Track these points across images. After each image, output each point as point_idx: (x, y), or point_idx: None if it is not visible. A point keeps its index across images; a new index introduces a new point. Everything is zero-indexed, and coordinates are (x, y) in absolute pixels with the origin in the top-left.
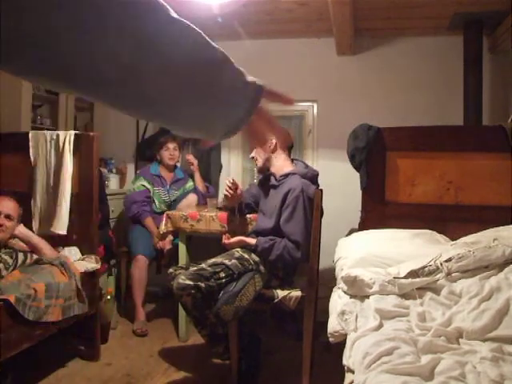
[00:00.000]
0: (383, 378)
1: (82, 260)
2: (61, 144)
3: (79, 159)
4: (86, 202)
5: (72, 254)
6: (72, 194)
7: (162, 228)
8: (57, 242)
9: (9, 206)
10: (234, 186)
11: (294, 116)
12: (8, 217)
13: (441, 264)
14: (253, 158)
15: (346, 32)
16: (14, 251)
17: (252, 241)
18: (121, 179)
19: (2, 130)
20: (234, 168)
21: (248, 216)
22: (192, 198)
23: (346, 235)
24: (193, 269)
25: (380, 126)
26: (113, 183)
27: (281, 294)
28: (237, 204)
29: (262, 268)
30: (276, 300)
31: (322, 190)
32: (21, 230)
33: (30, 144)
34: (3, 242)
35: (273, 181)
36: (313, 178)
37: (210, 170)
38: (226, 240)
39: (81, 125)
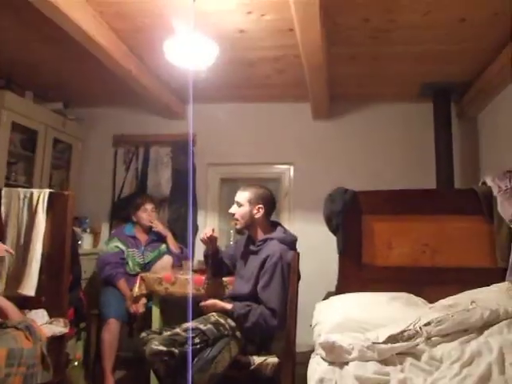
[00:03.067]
0: None
1: (50, 323)
2: (34, 202)
3: (53, 218)
4: (58, 262)
5: (39, 316)
6: (43, 253)
7: (136, 291)
8: (23, 303)
9: None
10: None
11: (270, 178)
12: None
13: (420, 328)
14: (233, 215)
15: (321, 97)
16: None
17: (228, 306)
18: (94, 239)
19: None
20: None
21: (224, 279)
22: (167, 259)
23: (324, 298)
24: (166, 334)
25: (355, 187)
26: (86, 243)
27: (257, 360)
28: (210, 251)
29: (238, 333)
30: (252, 367)
31: (298, 254)
32: None
33: (2, 201)
34: None
35: (251, 246)
36: (291, 243)
37: (187, 231)
38: (203, 303)
39: (56, 183)
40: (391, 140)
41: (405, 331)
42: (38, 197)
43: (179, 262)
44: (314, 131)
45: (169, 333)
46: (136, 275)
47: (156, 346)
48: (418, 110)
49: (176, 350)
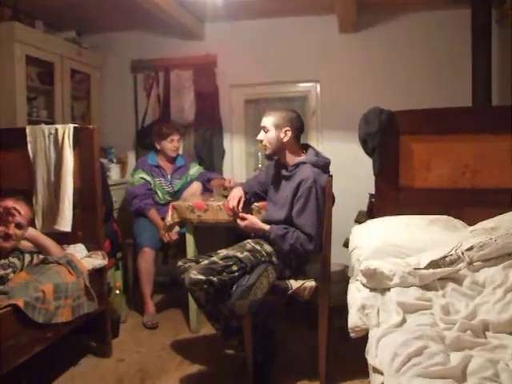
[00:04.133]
0: (416, 382)
1: (89, 257)
2: (60, 138)
3: (79, 153)
4: (90, 196)
5: (78, 251)
6: (74, 189)
7: (169, 219)
8: (61, 239)
9: (23, 212)
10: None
11: (296, 97)
12: (18, 225)
13: (462, 253)
14: (261, 141)
15: (348, 8)
16: (20, 252)
17: (266, 226)
18: (122, 169)
19: None
20: (238, 153)
21: (256, 204)
22: (196, 186)
23: (356, 219)
24: (204, 262)
25: (385, 104)
26: (114, 173)
27: (294, 284)
28: None
29: (274, 259)
30: (290, 291)
31: (331, 178)
32: (30, 232)
33: (28, 139)
34: (12, 248)
35: (283, 171)
36: (324, 166)
37: (213, 155)
38: (240, 220)
39: (78, 114)
40: (424, 52)
41: (446, 256)
42: (64, 133)
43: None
44: (341, 45)
45: (206, 261)
46: (166, 204)
47: (194, 275)
48: (454, 18)
49: (215, 279)
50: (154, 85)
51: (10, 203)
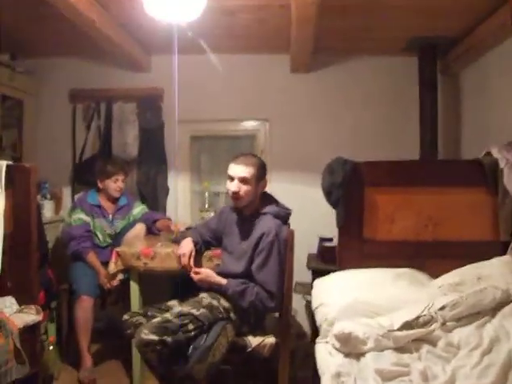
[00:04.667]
0: None
1: (20, 312)
2: None
3: (13, 193)
4: (23, 242)
5: (6, 306)
6: (5, 234)
7: (112, 267)
8: None
9: None
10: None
11: (244, 135)
12: None
13: (435, 313)
14: (234, 193)
15: (303, 50)
16: None
17: (222, 281)
18: (56, 205)
19: None
20: (182, 191)
21: (208, 252)
22: (140, 227)
23: (307, 263)
24: (156, 320)
25: (335, 144)
26: (47, 210)
27: (254, 341)
28: None
29: (232, 315)
30: (249, 349)
31: (293, 231)
32: None
33: None
34: None
35: (240, 220)
36: (285, 217)
37: (157, 194)
38: (194, 274)
39: (7, 144)
40: (372, 94)
41: (419, 317)
42: None
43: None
44: (292, 85)
45: (158, 319)
46: (107, 247)
47: (146, 335)
48: (404, 65)
49: (169, 339)
50: (95, 116)
51: None
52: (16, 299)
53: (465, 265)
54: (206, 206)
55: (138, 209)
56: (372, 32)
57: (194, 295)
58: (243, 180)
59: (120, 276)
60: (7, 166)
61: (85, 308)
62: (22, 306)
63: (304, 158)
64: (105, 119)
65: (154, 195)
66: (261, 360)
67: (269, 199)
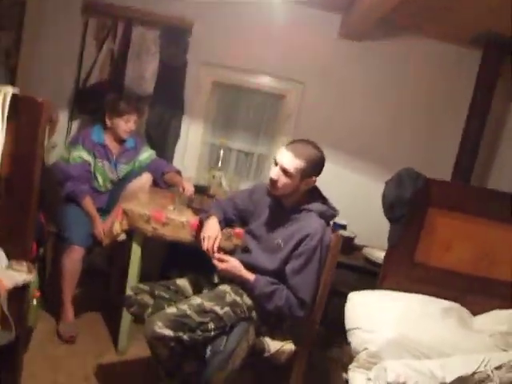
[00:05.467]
0: None
1: (10, 268)
2: None
3: (17, 129)
4: (22, 189)
5: None
6: (0, 176)
7: (117, 228)
8: None
9: None
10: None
11: (272, 94)
12: None
13: (491, 372)
14: (273, 181)
15: (369, 16)
16: None
17: (249, 276)
18: (49, 129)
19: None
20: (193, 141)
21: (229, 230)
22: (146, 178)
23: None
24: (172, 312)
25: (368, 126)
26: None
27: (272, 346)
28: None
29: (254, 314)
30: (267, 354)
31: (339, 236)
32: None
33: None
34: None
35: (280, 211)
36: (330, 218)
37: (167, 139)
38: (217, 261)
39: (1, 48)
40: (423, 81)
41: (475, 373)
42: None
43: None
44: (338, 50)
45: (174, 310)
46: (106, 193)
47: (160, 328)
48: (464, 59)
49: (185, 336)
50: (110, 37)
51: None
52: (5, 251)
53: (504, 306)
54: (219, 165)
55: (146, 154)
56: (449, 13)
57: (207, 280)
58: (285, 171)
59: (122, 236)
60: (13, 97)
61: (74, 259)
62: (12, 261)
63: (333, 132)
64: (121, 42)
65: (163, 140)
66: (273, 365)
67: (314, 194)
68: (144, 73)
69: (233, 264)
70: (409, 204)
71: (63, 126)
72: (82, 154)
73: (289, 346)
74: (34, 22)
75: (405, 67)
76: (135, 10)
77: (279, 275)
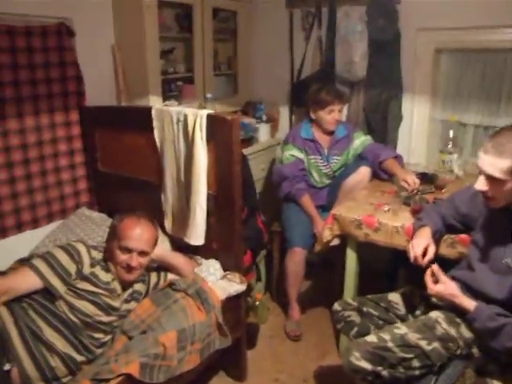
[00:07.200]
0: None
1: (223, 278)
2: (190, 128)
3: (215, 148)
4: (226, 206)
5: (211, 273)
6: (208, 194)
7: (327, 234)
8: (192, 249)
9: (146, 237)
10: None
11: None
12: (142, 253)
13: None
14: (483, 192)
15: None
16: (145, 274)
17: (469, 304)
18: (272, 127)
19: (126, 94)
20: (419, 121)
21: (451, 236)
22: (364, 172)
23: None
24: (372, 342)
25: None
26: (263, 134)
27: None
28: None
29: (475, 351)
30: None
31: None
32: (156, 252)
33: (154, 124)
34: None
35: (507, 216)
36: None
37: (387, 124)
38: (429, 279)
39: (222, 61)
40: None
41: None
42: (194, 121)
43: None
44: None
45: (375, 340)
46: (324, 188)
47: (357, 359)
48: None
49: (385, 372)
50: (316, 24)
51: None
52: (220, 262)
53: None
54: (449, 147)
55: (359, 140)
56: None
57: (422, 296)
58: (491, 178)
59: (336, 241)
60: (207, 117)
61: (297, 262)
62: (227, 272)
63: None
64: (327, 28)
65: (383, 125)
66: None
67: None
68: (353, 55)
69: (450, 289)
70: None
71: (285, 123)
72: (293, 153)
73: None
74: (245, 29)
75: None
76: None
77: (509, 304)
